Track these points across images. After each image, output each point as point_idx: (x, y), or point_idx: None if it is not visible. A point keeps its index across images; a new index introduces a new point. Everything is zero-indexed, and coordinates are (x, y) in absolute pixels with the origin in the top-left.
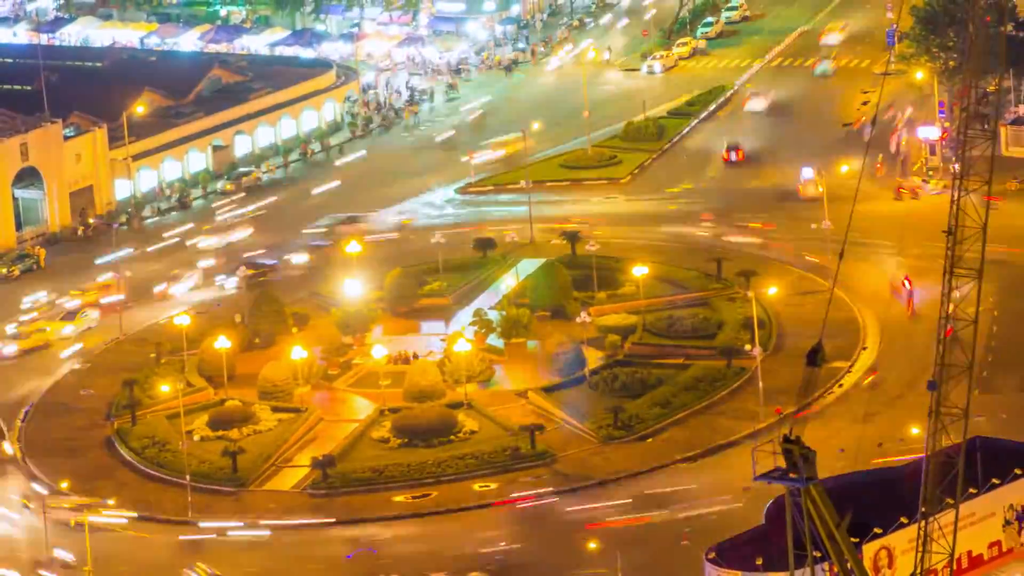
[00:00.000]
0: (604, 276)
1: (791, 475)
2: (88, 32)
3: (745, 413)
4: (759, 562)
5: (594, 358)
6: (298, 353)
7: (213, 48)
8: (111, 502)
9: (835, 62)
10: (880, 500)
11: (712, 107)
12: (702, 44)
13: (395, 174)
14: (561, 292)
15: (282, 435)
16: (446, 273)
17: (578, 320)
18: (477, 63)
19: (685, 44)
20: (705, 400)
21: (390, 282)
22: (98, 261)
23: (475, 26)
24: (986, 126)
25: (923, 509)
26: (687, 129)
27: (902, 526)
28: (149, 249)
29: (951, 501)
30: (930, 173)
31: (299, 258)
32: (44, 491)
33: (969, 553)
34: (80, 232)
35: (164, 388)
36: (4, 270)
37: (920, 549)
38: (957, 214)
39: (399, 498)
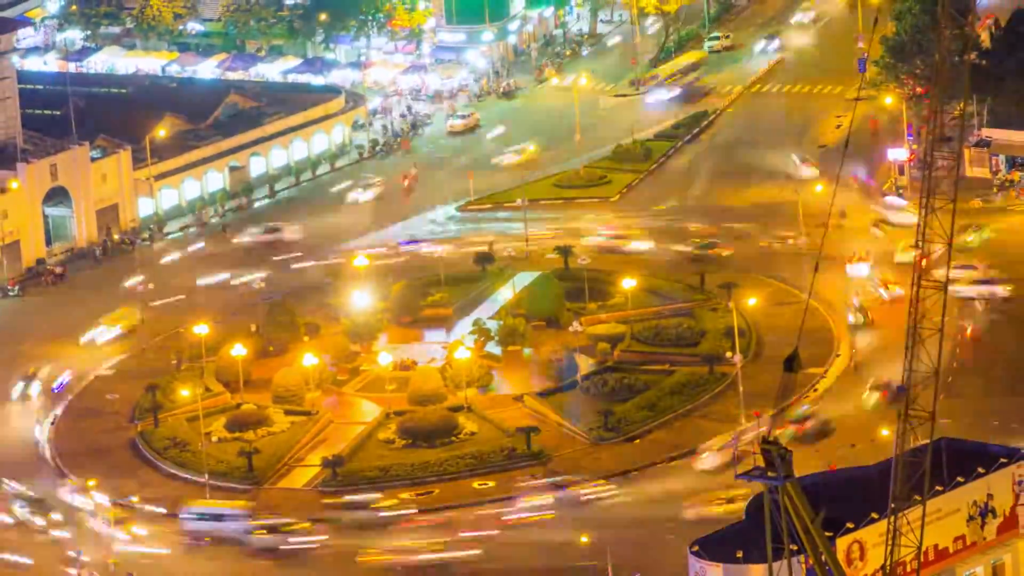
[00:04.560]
0: (595, 288)
1: (769, 473)
2: (113, 61)
3: (726, 416)
4: (739, 555)
5: (586, 365)
6: (309, 360)
7: (230, 75)
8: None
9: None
10: (852, 497)
11: (696, 130)
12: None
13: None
14: (555, 303)
15: (294, 436)
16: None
17: (571, 329)
18: (476, 90)
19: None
20: (689, 404)
21: (395, 294)
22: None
23: (475, 55)
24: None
25: (893, 505)
26: (672, 151)
27: (873, 521)
28: None
29: (919, 498)
30: (900, 191)
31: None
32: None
33: (936, 546)
34: (107, 248)
35: (184, 393)
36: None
37: (890, 543)
38: (924, 230)
39: (404, 495)
